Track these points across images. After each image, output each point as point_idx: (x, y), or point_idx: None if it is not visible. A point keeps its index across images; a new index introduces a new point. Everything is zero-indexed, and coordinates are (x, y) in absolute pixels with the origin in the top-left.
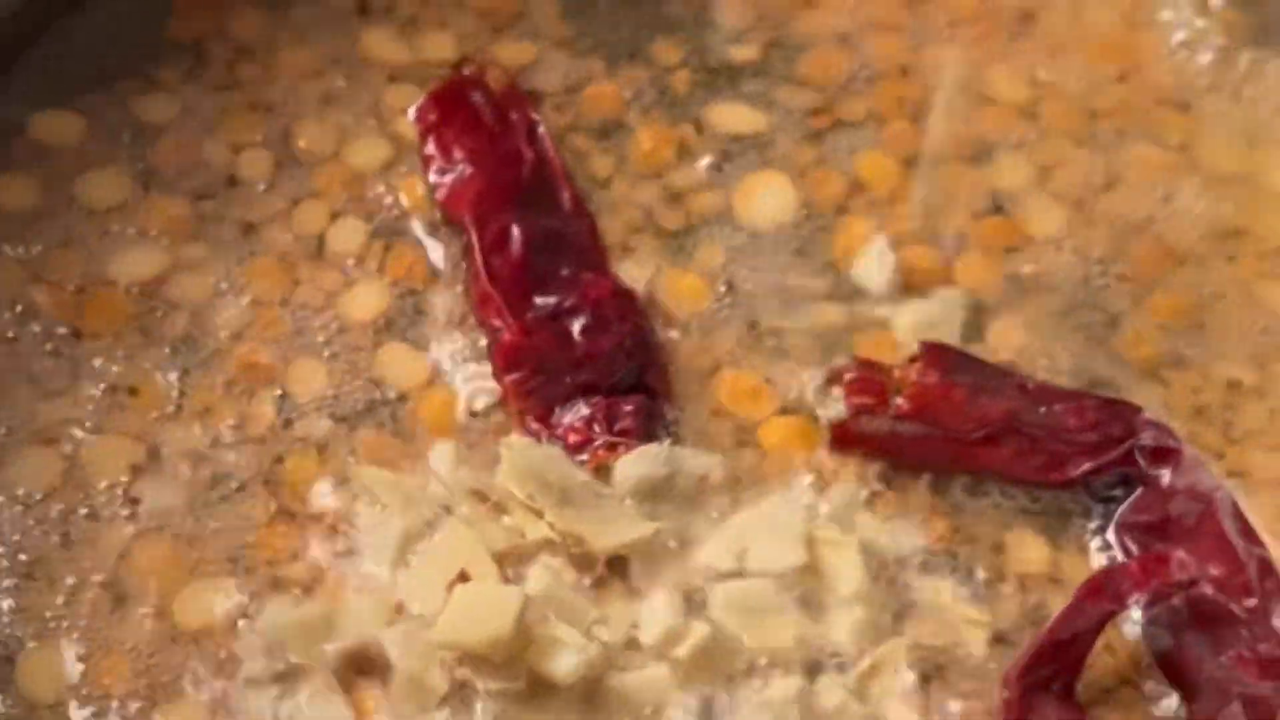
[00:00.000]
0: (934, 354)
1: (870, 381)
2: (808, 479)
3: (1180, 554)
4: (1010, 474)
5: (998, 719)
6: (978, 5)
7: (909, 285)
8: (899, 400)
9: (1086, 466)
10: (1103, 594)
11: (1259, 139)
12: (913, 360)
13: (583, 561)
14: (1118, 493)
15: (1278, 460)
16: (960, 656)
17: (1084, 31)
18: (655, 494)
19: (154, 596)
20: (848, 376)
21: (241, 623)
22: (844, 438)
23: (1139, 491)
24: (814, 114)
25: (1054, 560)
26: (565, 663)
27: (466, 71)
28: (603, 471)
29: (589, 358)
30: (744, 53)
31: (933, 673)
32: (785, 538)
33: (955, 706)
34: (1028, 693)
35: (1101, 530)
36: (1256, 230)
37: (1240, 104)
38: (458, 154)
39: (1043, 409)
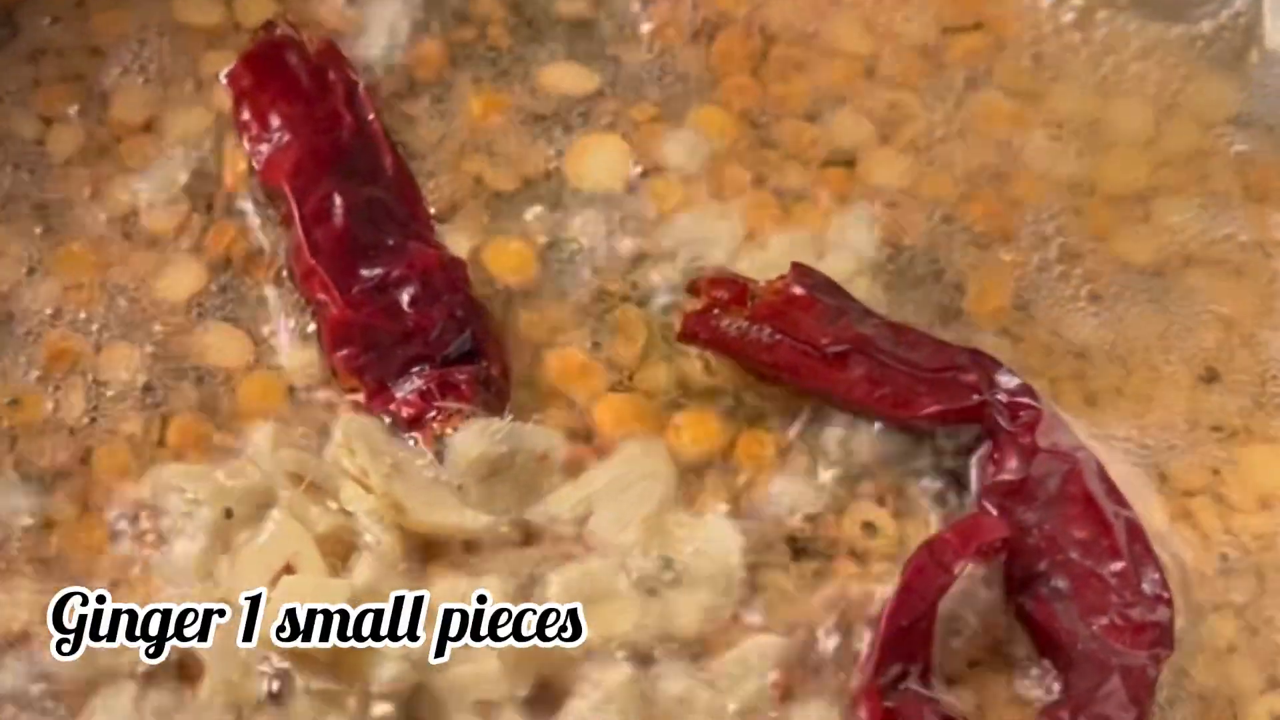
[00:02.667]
0: (802, 273)
1: (732, 282)
2: (652, 455)
3: (993, 515)
4: (853, 399)
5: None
6: None
7: (747, 241)
8: (757, 300)
9: (933, 408)
10: (928, 570)
11: (1111, 89)
12: (780, 278)
13: (411, 539)
14: (979, 453)
15: (1133, 419)
16: (817, 646)
17: None
18: (493, 472)
19: None
20: (709, 274)
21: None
22: (694, 329)
23: (998, 451)
24: (648, 70)
25: (914, 534)
26: (386, 670)
27: (280, 31)
28: (440, 445)
29: (419, 330)
30: (573, 8)
31: (789, 659)
32: (631, 511)
33: (811, 697)
34: (884, 694)
35: (970, 497)
36: (1106, 182)
37: (1092, 53)
38: (274, 121)
39: (902, 345)
